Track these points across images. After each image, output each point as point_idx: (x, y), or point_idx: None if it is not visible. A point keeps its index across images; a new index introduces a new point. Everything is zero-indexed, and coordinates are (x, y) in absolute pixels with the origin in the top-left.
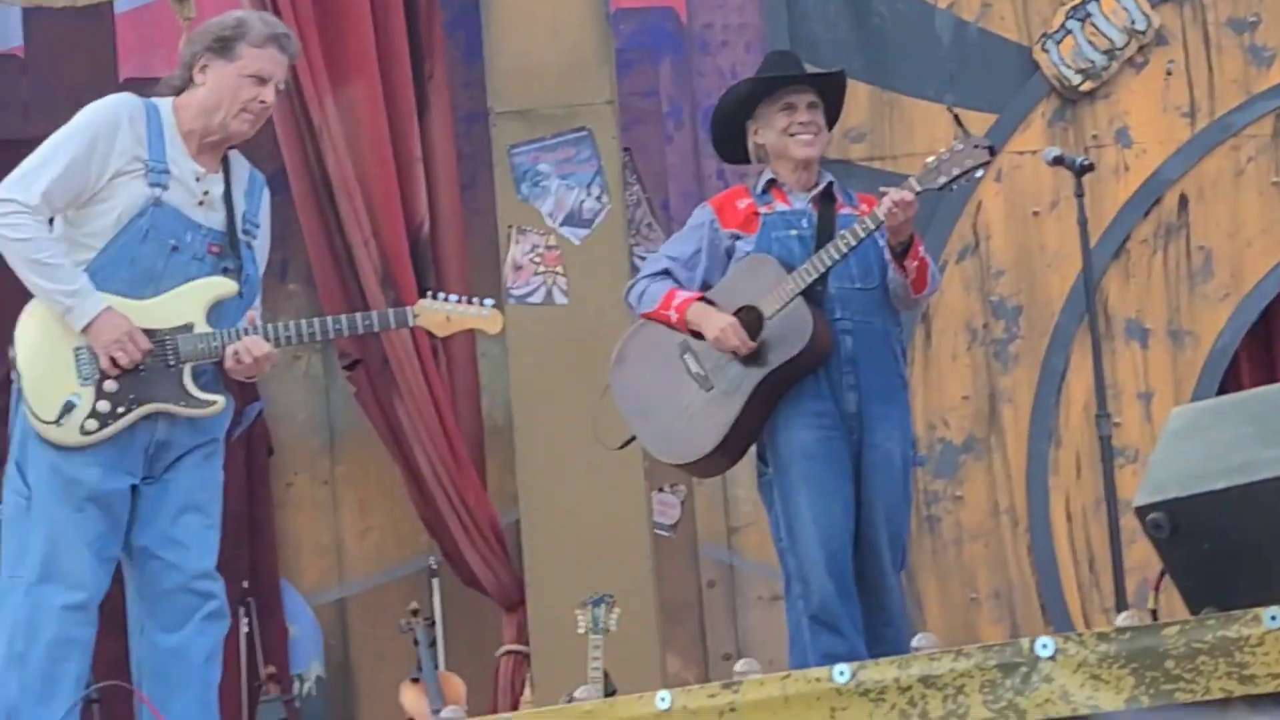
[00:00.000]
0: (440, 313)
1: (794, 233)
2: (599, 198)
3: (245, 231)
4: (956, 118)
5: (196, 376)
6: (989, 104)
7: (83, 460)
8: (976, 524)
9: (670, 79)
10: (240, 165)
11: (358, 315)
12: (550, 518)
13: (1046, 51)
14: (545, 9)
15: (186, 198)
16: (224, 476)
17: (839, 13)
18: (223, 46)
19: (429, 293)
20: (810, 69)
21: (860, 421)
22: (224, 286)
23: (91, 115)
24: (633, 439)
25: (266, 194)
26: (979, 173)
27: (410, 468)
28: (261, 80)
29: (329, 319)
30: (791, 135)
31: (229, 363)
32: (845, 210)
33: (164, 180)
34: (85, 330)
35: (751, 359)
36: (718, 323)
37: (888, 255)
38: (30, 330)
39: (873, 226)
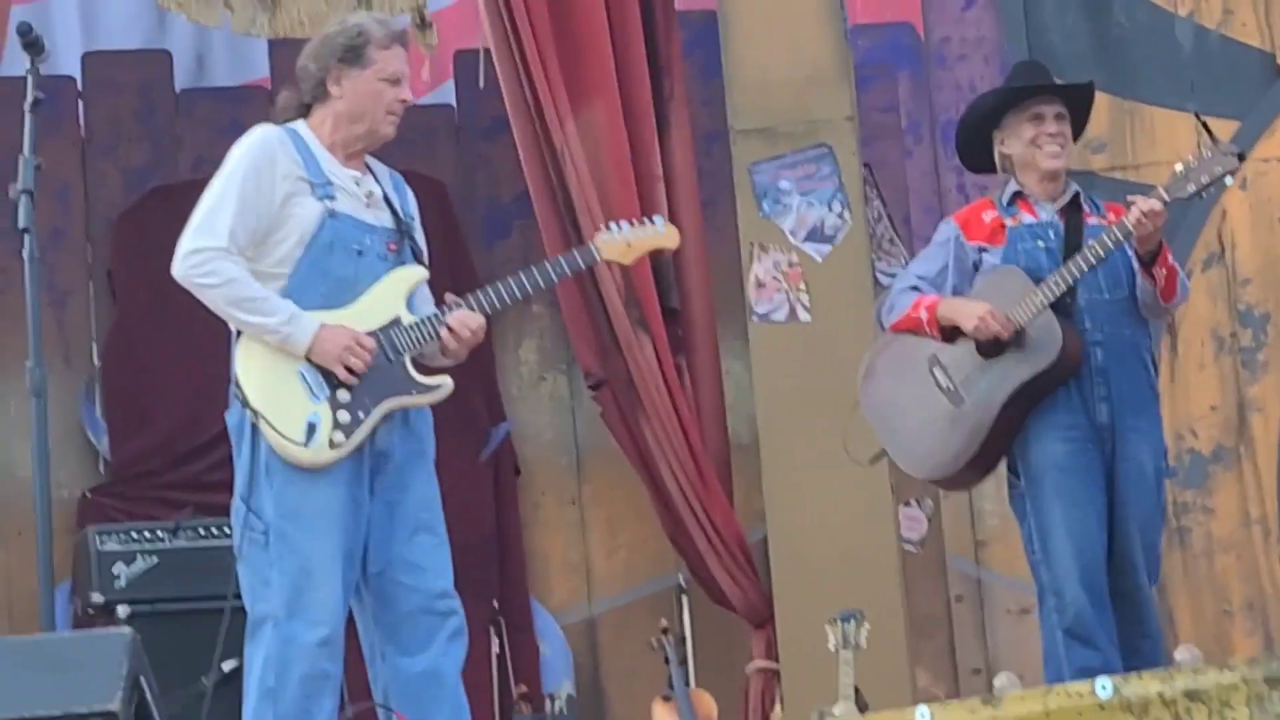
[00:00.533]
0: (620, 241)
1: (1041, 244)
2: (840, 214)
3: (406, 224)
4: (1205, 125)
5: (417, 365)
6: (1231, 111)
7: (328, 483)
8: (1227, 535)
9: (909, 93)
10: (379, 166)
11: (547, 263)
12: (798, 534)
13: None
14: (784, 26)
15: (355, 203)
16: (473, 497)
17: (1078, 23)
18: (355, 55)
19: (603, 226)
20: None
21: (1113, 434)
22: (416, 274)
23: (244, 150)
24: (883, 453)
25: (408, 189)
26: (1228, 180)
27: (657, 486)
28: (396, 80)
29: (521, 273)
30: (1039, 146)
31: (447, 340)
32: (1092, 220)
33: (331, 191)
34: (308, 352)
35: (1001, 371)
36: (975, 310)
37: (1136, 264)
38: (251, 366)
39: (1121, 236)
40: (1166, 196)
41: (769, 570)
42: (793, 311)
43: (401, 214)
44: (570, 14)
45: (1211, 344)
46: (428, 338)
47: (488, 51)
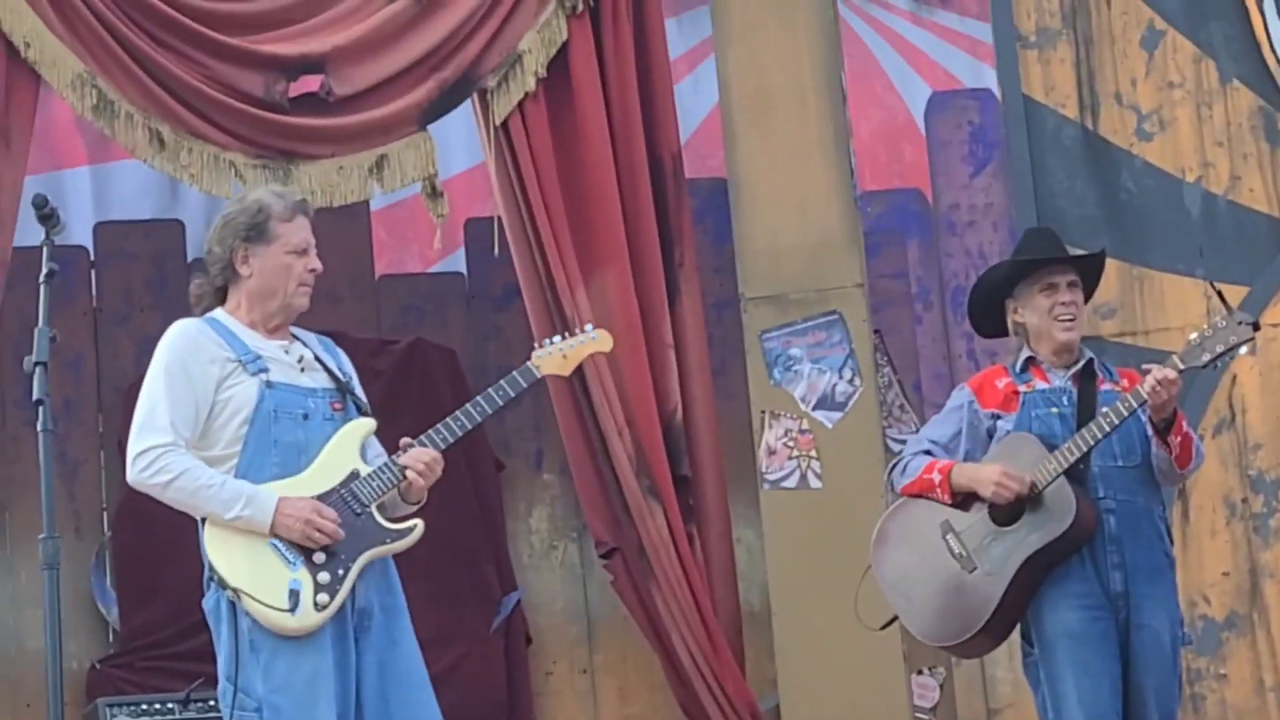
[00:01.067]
0: (555, 354)
1: (1055, 411)
2: (851, 380)
3: (345, 382)
4: (1220, 293)
5: (384, 514)
6: (1240, 276)
7: (315, 650)
8: (1242, 702)
9: (918, 260)
10: (304, 333)
11: (491, 389)
12: (810, 702)
13: None
14: (793, 193)
15: (289, 371)
16: (485, 667)
17: (1086, 189)
18: (258, 233)
19: (536, 344)
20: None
21: (1127, 601)
22: (365, 426)
23: (168, 346)
24: (895, 619)
25: (339, 350)
26: (1242, 349)
27: (669, 655)
28: (303, 251)
29: (469, 405)
30: (1056, 319)
31: (413, 480)
32: (1106, 386)
33: (263, 364)
34: (273, 529)
35: (1014, 538)
36: (990, 475)
37: (1151, 432)
38: (222, 546)
39: (1135, 404)
40: (1181, 365)
41: None
42: (804, 478)
43: (338, 373)
44: (581, 182)
45: (1223, 510)
46: (388, 486)
47: (500, 219)
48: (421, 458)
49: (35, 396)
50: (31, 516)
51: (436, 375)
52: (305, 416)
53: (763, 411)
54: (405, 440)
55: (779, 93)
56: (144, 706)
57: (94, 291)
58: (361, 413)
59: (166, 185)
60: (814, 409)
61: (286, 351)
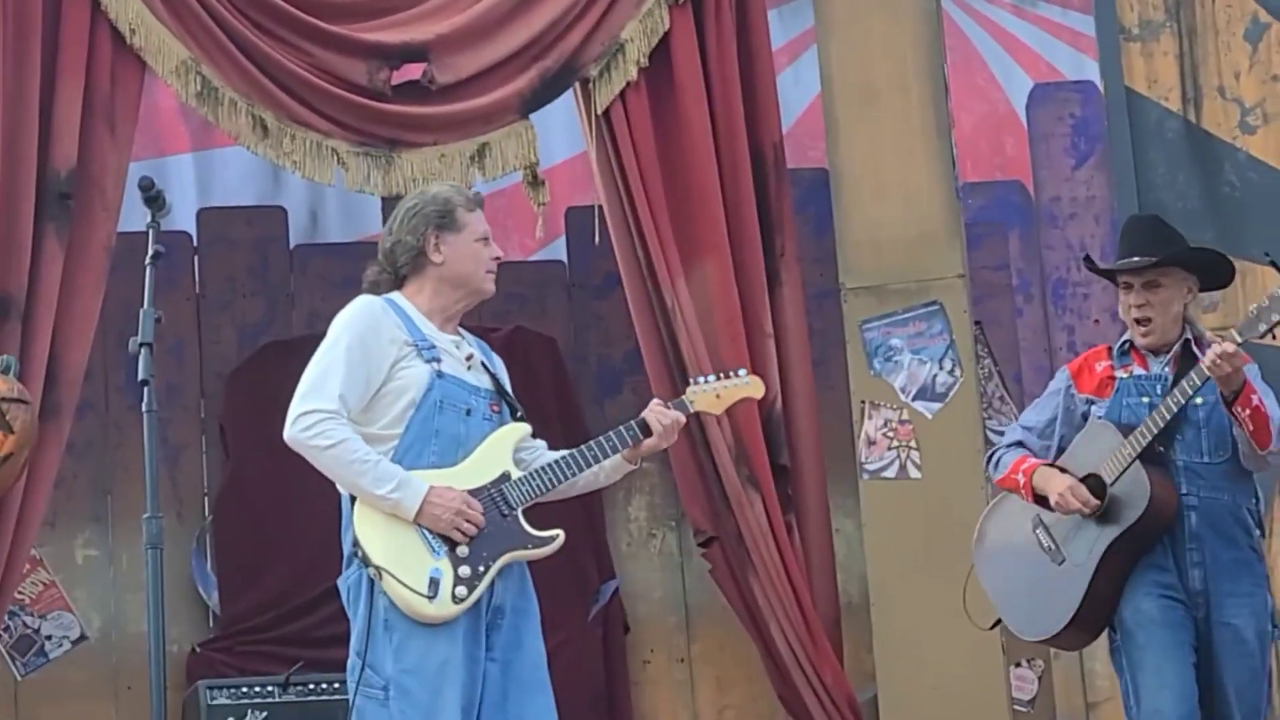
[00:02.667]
0: (710, 393)
1: (1145, 400)
2: (951, 371)
3: (502, 386)
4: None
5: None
6: None
7: (448, 639)
8: None
9: (1019, 252)
10: (467, 334)
11: (632, 421)
12: (908, 694)
13: None
14: (894, 184)
15: (458, 365)
16: (582, 655)
17: (1189, 182)
18: (448, 221)
19: (691, 381)
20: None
21: (1206, 598)
22: (520, 430)
23: (350, 317)
24: (1000, 620)
25: (495, 356)
26: None
27: (766, 645)
28: (486, 239)
29: (620, 427)
30: (1134, 321)
31: (658, 430)
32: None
33: (436, 354)
34: (418, 516)
35: (1097, 527)
36: (1058, 486)
37: (1223, 407)
38: (370, 525)
39: (1199, 382)
40: (1239, 337)
41: None
42: (903, 469)
43: (497, 377)
44: (682, 172)
45: None
46: (537, 493)
47: (600, 208)
48: (662, 419)
49: (140, 377)
50: (133, 501)
51: (537, 363)
52: (468, 412)
53: (862, 401)
54: (656, 401)
55: (881, 84)
56: (244, 689)
57: (196, 277)
58: (516, 418)
59: (269, 172)
60: (914, 399)
61: (456, 346)
